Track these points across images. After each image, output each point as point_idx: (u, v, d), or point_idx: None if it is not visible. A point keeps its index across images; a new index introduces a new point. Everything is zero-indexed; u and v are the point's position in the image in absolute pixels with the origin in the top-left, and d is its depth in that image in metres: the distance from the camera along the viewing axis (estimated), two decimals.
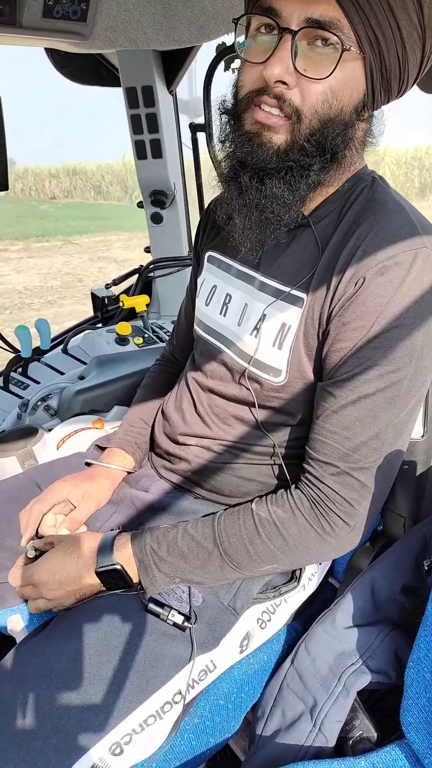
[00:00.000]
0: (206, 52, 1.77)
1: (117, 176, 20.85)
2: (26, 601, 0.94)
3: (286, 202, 0.79)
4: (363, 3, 0.69)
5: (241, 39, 0.85)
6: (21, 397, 1.58)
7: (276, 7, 0.72)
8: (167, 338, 1.82)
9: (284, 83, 0.73)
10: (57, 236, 13.44)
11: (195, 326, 1.05)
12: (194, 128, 1.76)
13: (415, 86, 0.99)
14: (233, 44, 1.64)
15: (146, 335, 1.77)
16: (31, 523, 0.95)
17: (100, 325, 1.97)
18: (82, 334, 1.84)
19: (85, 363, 1.75)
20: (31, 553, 0.90)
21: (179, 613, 0.80)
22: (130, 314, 1.93)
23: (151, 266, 1.96)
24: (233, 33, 1.40)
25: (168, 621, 0.79)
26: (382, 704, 0.88)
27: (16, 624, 1.01)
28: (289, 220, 0.81)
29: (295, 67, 0.72)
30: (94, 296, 1.99)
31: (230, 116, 0.82)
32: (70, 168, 21.69)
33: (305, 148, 0.76)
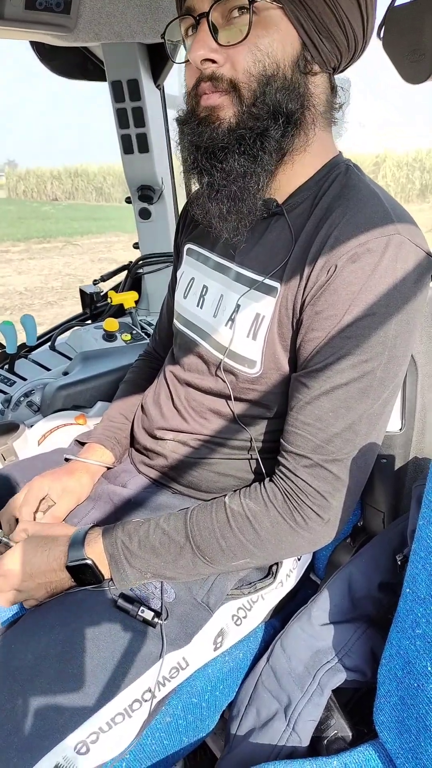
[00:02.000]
0: None
1: (118, 178, 20.87)
2: None
3: (251, 173, 0.78)
4: None
5: (172, 39, 0.87)
6: (6, 394, 1.57)
7: (190, 5, 0.76)
8: (152, 334, 1.81)
9: (213, 62, 0.74)
10: (58, 237, 13.47)
11: (174, 320, 1.03)
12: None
13: (417, 87, 0.98)
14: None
15: (134, 332, 1.75)
16: (5, 518, 0.94)
17: (89, 321, 1.95)
18: (70, 331, 1.83)
19: (72, 359, 1.73)
20: (5, 544, 0.88)
21: (149, 608, 0.78)
22: (119, 311, 1.91)
23: (140, 262, 1.95)
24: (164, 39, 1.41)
25: (138, 617, 0.77)
26: (362, 705, 0.86)
27: None
28: (258, 192, 0.79)
29: (219, 44, 0.73)
30: (82, 293, 1.97)
31: (183, 123, 0.81)
32: (71, 170, 21.73)
33: (252, 113, 0.75)
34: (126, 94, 1.62)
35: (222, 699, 0.87)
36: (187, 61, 0.80)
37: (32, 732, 0.67)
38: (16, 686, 0.70)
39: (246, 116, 0.75)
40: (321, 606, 0.85)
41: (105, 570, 0.81)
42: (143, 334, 1.75)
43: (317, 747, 0.78)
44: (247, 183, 0.78)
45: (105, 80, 1.66)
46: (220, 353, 0.89)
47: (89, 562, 0.80)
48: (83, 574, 0.81)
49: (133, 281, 1.99)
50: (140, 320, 1.84)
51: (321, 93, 0.80)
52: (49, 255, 11.71)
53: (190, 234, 1.04)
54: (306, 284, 0.77)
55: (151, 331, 1.82)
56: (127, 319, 1.82)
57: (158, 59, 1.60)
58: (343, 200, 0.78)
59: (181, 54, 0.87)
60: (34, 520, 0.95)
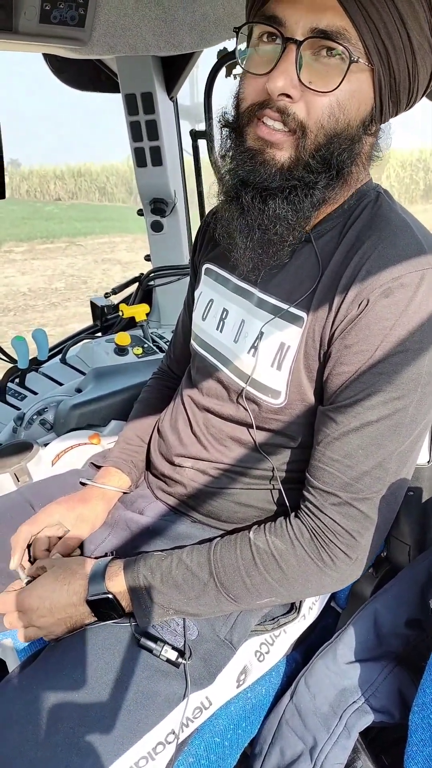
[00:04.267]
0: (208, 57, 1.74)
1: (122, 178, 20.87)
2: None
3: (289, 223, 0.76)
4: (372, 12, 0.66)
5: (242, 47, 0.82)
6: (18, 408, 1.55)
7: (280, 16, 0.68)
8: (167, 348, 1.79)
9: (288, 96, 0.69)
10: (62, 238, 13.46)
11: (192, 341, 1.02)
12: (195, 135, 1.72)
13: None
14: (234, 50, 1.61)
15: (146, 345, 1.73)
16: (19, 544, 0.92)
17: (99, 334, 1.94)
18: (80, 344, 1.81)
19: (83, 373, 1.72)
20: (24, 579, 0.87)
21: (173, 648, 0.76)
22: (130, 323, 1.90)
23: (151, 275, 1.93)
24: (235, 39, 1.36)
25: (161, 657, 0.75)
26: (384, 737, 0.84)
27: (7, 649, 0.99)
28: (292, 241, 0.78)
29: (300, 80, 0.69)
30: (93, 305, 1.96)
31: (231, 130, 0.79)
32: (75, 169, 21.73)
33: (310, 165, 0.73)
34: (140, 107, 1.60)
35: (244, 737, 0.85)
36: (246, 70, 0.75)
37: None
38: (40, 732, 0.68)
39: (302, 165, 0.72)
40: (346, 643, 0.83)
41: (126, 604, 0.79)
42: (155, 348, 1.74)
43: None
44: (283, 231, 0.76)
45: (118, 92, 1.65)
46: (241, 381, 0.87)
47: (110, 596, 0.78)
48: (104, 608, 0.79)
49: (144, 293, 1.97)
50: (151, 333, 1.82)
51: (369, 145, 0.78)
52: (52, 255, 11.70)
53: (209, 254, 1.02)
54: (335, 316, 0.75)
55: (162, 344, 1.80)
56: (138, 332, 1.81)
57: (172, 71, 1.58)
58: (375, 231, 0.76)
59: (248, 57, 0.77)
60: (40, 543, 0.94)
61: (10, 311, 7.81)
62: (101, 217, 16.25)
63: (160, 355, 1.72)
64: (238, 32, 0.78)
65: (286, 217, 0.75)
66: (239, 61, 0.80)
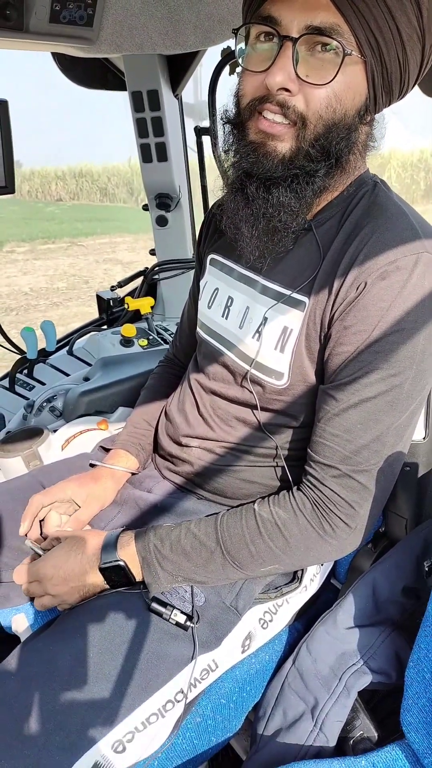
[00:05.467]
0: (211, 55, 1.78)
1: (123, 178, 20.89)
2: (32, 599, 0.95)
3: (293, 210, 0.80)
4: (362, 8, 0.70)
5: (241, 46, 0.85)
6: (26, 398, 1.59)
7: (275, 16, 0.73)
8: (172, 340, 1.83)
9: (287, 90, 0.73)
10: (63, 238, 13.48)
11: (197, 328, 1.06)
12: (199, 132, 1.77)
13: (417, 89, 1.00)
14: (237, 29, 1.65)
15: (151, 337, 1.77)
16: (30, 511, 0.96)
17: (105, 327, 1.98)
18: (87, 336, 1.85)
19: (89, 364, 1.76)
20: (39, 552, 0.91)
21: (182, 612, 0.80)
22: (135, 316, 1.94)
23: (156, 268, 1.97)
24: (232, 32, 1.40)
25: (171, 620, 0.80)
26: (383, 704, 0.88)
27: (21, 623, 1.03)
28: (296, 228, 0.82)
29: (297, 74, 0.73)
30: (99, 298, 2.00)
31: (233, 126, 0.83)
32: (76, 170, 21.75)
33: (310, 154, 0.77)
34: (146, 104, 1.64)
35: (248, 700, 0.89)
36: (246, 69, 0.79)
37: (73, 730, 0.69)
38: (57, 686, 0.72)
39: (302, 154, 0.76)
40: (346, 610, 0.87)
41: (137, 572, 0.83)
42: (159, 340, 1.78)
43: (343, 747, 0.81)
44: (287, 218, 0.80)
45: (124, 89, 1.69)
46: (246, 364, 0.91)
47: (122, 563, 0.82)
48: (116, 575, 0.83)
49: (149, 287, 2.01)
50: (156, 325, 1.86)
51: (365, 134, 0.82)
52: (54, 255, 11.74)
53: (213, 244, 1.06)
54: (335, 299, 0.80)
55: (166, 336, 1.84)
56: (143, 324, 1.85)
57: (177, 69, 1.63)
58: (372, 218, 0.80)
59: (246, 56, 0.80)
60: (51, 519, 0.98)
61: (12, 311, 7.84)
62: (102, 217, 16.28)
63: (165, 347, 1.76)
64: (236, 33, 0.82)
65: (290, 205, 0.79)
66: (238, 60, 0.84)
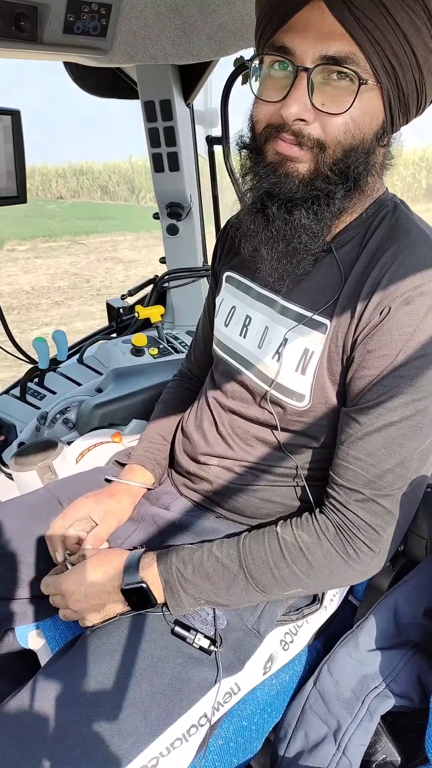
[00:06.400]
0: (221, 64, 1.77)
1: (124, 176, 20.86)
2: (51, 615, 0.96)
3: (313, 232, 0.79)
4: (378, 35, 0.69)
5: (255, 65, 0.84)
6: (37, 408, 1.59)
7: (289, 46, 0.72)
8: (182, 348, 1.83)
9: (303, 120, 0.73)
10: (64, 236, 13.46)
11: (214, 346, 1.05)
12: (211, 141, 1.77)
13: None
14: (251, 59, 1.65)
15: (161, 346, 1.77)
16: (57, 539, 0.96)
17: (114, 335, 1.98)
18: (97, 344, 1.85)
19: (100, 373, 1.76)
20: (67, 564, 0.91)
21: (205, 636, 0.80)
22: (144, 324, 1.94)
23: (166, 277, 1.97)
24: (251, 48, 1.40)
25: (194, 645, 0.80)
26: (405, 727, 0.88)
27: (37, 640, 1.03)
28: (316, 250, 0.82)
29: (313, 104, 0.72)
30: (109, 306, 2.00)
31: (250, 151, 0.82)
32: (77, 168, 21.72)
33: (329, 177, 0.76)
34: (158, 114, 1.64)
35: (269, 721, 0.89)
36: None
37: (100, 758, 0.70)
38: (83, 712, 0.72)
39: (321, 177, 0.76)
40: (367, 631, 0.87)
41: (159, 594, 0.83)
42: (170, 348, 1.77)
43: None
44: (307, 240, 0.80)
45: (136, 98, 1.68)
46: (265, 384, 0.91)
47: (144, 585, 0.82)
48: (137, 597, 0.83)
49: (159, 295, 2.01)
50: (166, 334, 1.86)
51: (382, 155, 0.82)
52: (55, 254, 11.72)
53: (229, 262, 1.05)
54: (358, 323, 0.79)
55: (177, 345, 1.84)
56: (153, 333, 1.84)
57: (189, 79, 1.62)
58: (394, 240, 0.80)
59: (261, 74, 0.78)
60: (71, 535, 0.98)
61: (14, 309, 7.82)
62: (103, 215, 16.26)
63: (176, 356, 1.76)
64: (251, 64, 0.80)
65: (310, 227, 0.79)
66: (251, 84, 0.83)
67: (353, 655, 0.86)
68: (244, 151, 0.82)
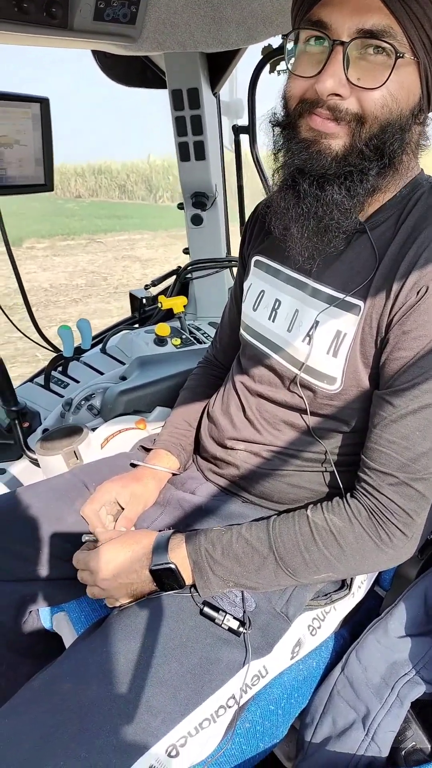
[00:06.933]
0: (247, 53, 1.77)
1: (142, 175, 20.94)
2: (76, 597, 0.95)
3: (345, 208, 0.79)
4: (415, 8, 0.69)
5: (289, 46, 0.83)
6: (61, 396, 1.60)
7: (326, 20, 0.71)
8: (204, 339, 1.82)
9: (338, 95, 0.72)
10: (82, 234, 13.55)
11: (241, 331, 1.05)
12: (237, 130, 1.76)
13: None
14: (279, 47, 1.65)
15: (184, 336, 1.77)
16: (92, 520, 0.96)
17: (137, 325, 1.98)
18: (120, 334, 1.86)
19: (122, 363, 1.76)
20: (94, 542, 0.91)
21: (234, 618, 0.80)
22: (167, 315, 1.94)
23: (189, 267, 1.97)
24: (280, 36, 1.39)
25: (223, 626, 0.79)
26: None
27: (62, 623, 1.03)
28: (347, 227, 0.81)
29: (348, 78, 0.71)
30: (132, 297, 2.00)
31: (283, 128, 0.81)
32: (95, 167, 21.85)
33: (363, 152, 0.75)
34: (185, 102, 1.64)
35: (296, 706, 0.88)
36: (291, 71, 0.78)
37: (129, 734, 0.69)
38: (112, 689, 0.72)
39: (356, 153, 0.75)
40: (397, 618, 0.86)
41: (187, 576, 0.83)
42: (192, 339, 1.77)
43: (395, 757, 0.80)
44: (339, 217, 0.79)
45: (163, 88, 1.69)
46: (295, 368, 0.90)
47: (173, 566, 0.82)
48: (166, 578, 0.83)
49: (181, 286, 2.01)
50: (188, 324, 1.86)
51: (417, 133, 0.81)
52: (73, 252, 11.80)
53: (258, 246, 1.05)
54: (393, 303, 0.78)
55: (199, 335, 1.84)
56: (175, 323, 1.84)
57: (217, 67, 1.62)
58: (431, 220, 0.79)
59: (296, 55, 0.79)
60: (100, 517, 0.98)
61: (32, 306, 7.87)
62: (121, 214, 16.33)
63: (198, 346, 1.75)
64: (286, 38, 0.80)
65: (342, 203, 0.78)
66: (287, 61, 0.82)
67: (382, 642, 0.85)
68: (277, 128, 0.81)
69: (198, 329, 1.86)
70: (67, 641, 1.02)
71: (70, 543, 0.98)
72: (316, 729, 0.85)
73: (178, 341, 1.74)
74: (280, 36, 0.81)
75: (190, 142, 1.71)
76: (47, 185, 1.50)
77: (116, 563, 0.83)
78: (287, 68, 0.79)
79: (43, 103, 1.40)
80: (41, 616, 1.07)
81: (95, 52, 1.61)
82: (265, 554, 0.81)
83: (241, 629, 0.79)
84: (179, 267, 2.01)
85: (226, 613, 0.80)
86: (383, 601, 1.02)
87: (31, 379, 1.71)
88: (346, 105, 0.73)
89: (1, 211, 1.53)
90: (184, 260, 2.10)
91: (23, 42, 1.32)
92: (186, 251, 2.03)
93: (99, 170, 21.65)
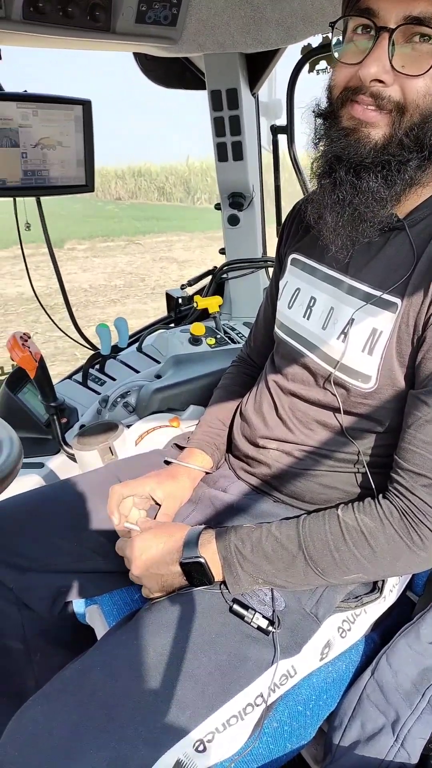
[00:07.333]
0: (286, 54, 1.76)
1: (180, 178, 21.08)
2: (109, 591, 0.97)
3: (381, 197, 0.78)
4: None
5: (338, 38, 0.84)
6: (98, 393, 1.63)
7: (374, 8, 0.72)
8: (238, 339, 1.83)
9: (381, 82, 0.72)
10: (121, 236, 13.73)
11: (276, 329, 1.04)
12: (275, 130, 1.76)
13: None
14: (319, 46, 1.64)
15: (218, 336, 1.78)
16: (114, 503, 0.97)
17: (172, 325, 2.00)
18: (156, 333, 1.88)
19: (158, 362, 1.78)
20: (135, 528, 0.93)
21: (263, 616, 0.80)
22: (203, 314, 1.95)
23: (225, 268, 1.98)
24: (320, 34, 1.39)
25: (252, 624, 0.79)
26: None
27: (95, 615, 1.05)
28: (382, 218, 0.80)
29: (392, 66, 0.72)
30: (168, 296, 2.02)
31: (324, 118, 0.82)
32: (135, 169, 22.11)
33: (403, 143, 0.75)
34: (224, 103, 1.65)
35: (324, 708, 0.88)
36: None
37: (158, 726, 0.70)
38: (142, 681, 0.73)
39: (395, 143, 0.75)
40: (429, 623, 0.84)
41: (216, 572, 0.83)
42: (227, 339, 1.78)
43: (425, 765, 0.78)
44: (375, 207, 0.78)
45: (202, 89, 1.70)
46: (329, 366, 0.89)
47: (203, 561, 0.82)
48: (196, 572, 0.83)
49: (217, 286, 2.02)
50: (223, 324, 1.87)
51: None
52: (112, 253, 11.97)
53: (295, 244, 1.05)
54: (431, 302, 0.77)
55: (233, 335, 1.84)
56: (210, 323, 1.85)
57: (256, 68, 1.62)
58: None
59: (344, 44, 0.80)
60: (132, 513, 0.99)
61: (72, 306, 8.02)
62: (159, 216, 16.47)
63: (232, 346, 1.76)
64: (333, 26, 0.81)
65: (378, 192, 0.77)
66: (333, 53, 0.83)
67: (414, 647, 0.83)
68: (319, 119, 0.81)
69: (232, 329, 1.86)
70: (99, 633, 1.04)
71: (104, 537, 1.00)
72: (345, 732, 0.84)
73: (212, 341, 1.75)
74: (329, 25, 0.81)
75: (228, 143, 1.71)
76: (88, 186, 1.54)
77: (149, 554, 0.85)
78: (334, 57, 0.79)
79: (86, 105, 1.43)
80: (75, 607, 1.09)
81: (136, 54, 1.63)
82: (294, 553, 0.81)
83: (270, 628, 0.79)
84: (215, 267, 2.02)
85: (255, 611, 0.80)
86: (415, 606, 1.00)
87: (69, 376, 1.75)
88: (388, 92, 0.73)
89: (44, 213, 1.57)
90: (219, 261, 2.11)
91: (68, 45, 1.36)
92: (222, 251, 2.04)
93: (138, 172, 21.89)
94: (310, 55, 1.55)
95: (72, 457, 1.33)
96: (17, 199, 1.50)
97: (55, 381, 1.52)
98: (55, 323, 1.76)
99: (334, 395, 0.89)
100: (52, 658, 1.05)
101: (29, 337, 1.40)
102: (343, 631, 0.89)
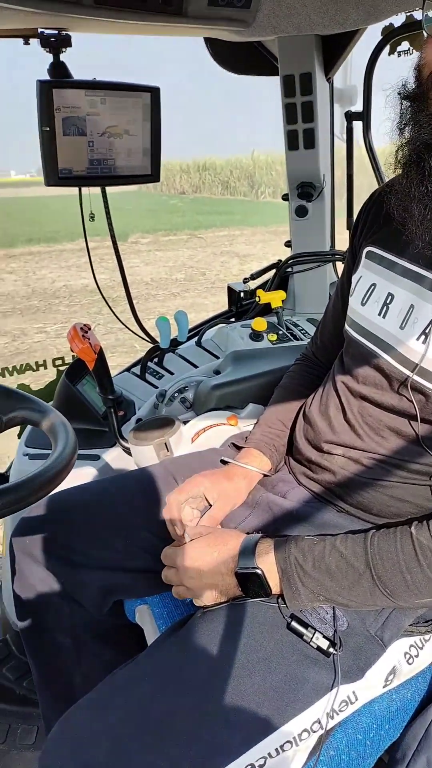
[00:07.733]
0: (364, 36, 1.67)
1: (245, 171, 21.03)
2: (159, 592, 0.94)
3: None
4: None
5: (430, 13, 0.77)
6: (155, 387, 1.61)
7: None
8: (302, 336, 1.76)
9: None
10: (184, 230, 13.85)
11: (346, 326, 0.98)
12: (350, 117, 1.68)
13: None
14: (402, 25, 1.54)
15: (280, 332, 1.72)
16: (174, 515, 0.94)
17: (233, 319, 1.96)
18: (216, 328, 1.84)
19: (217, 357, 1.74)
20: (188, 539, 0.89)
21: (324, 636, 0.74)
22: (264, 309, 1.89)
23: (290, 261, 1.91)
24: (404, 12, 1.30)
25: (312, 644, 0.74)
26: None
27: (145, 615, 1.02)
28: None
29: None
30: (230, 290, 1.98)
31: (412, 101, 0.76)
32: (200, 163, 22.23)
33: None
34: (297, 89, 1.58)
35: (386, 739, 0.81)
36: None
37: (206, 748, 0.66)
38: (192, 699, 0.69)
39: None
40: None
41: (274, 584, 0.78)
42: (289, 335, 1.71)
43: None
44: None
45: (274, 74, 1.64)
46: (407, 369, 0.82)
47: (259, 572, 0.77)
48: (252, 583, 0.78)
49: (281, 280, 1.96)
50: (285, 320, 1.80)
51: None
52: (174, 247, 12.09)
53: (372, 236, 0.98)
54: None
55: (296, 331, 1.78)
56: (273, 318, 1.80)
57: (332, 51, 1.55)
58: None
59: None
60: (185, 512, 0.95)
61: (133, 299, 8.16)
62: (222, 210, 16.49)
63: (295, 343, 1.70)
64: (424, 5, 0.74)
65: None
66: (425, 28, 0.76)
67: None
68: (405, 101, 0.75)
69: (296, 325, 1.80)
70: (149, 635, 1.01)
71: (157, 537, 0.97)
72: (408, 766, 0.77)
73: (274, 337, 1.69)
74: (404, 13, 0.76)
75: (300, 130, 1.65)
76: (153, 176, 1.51)
77: (202, 563, 0.81)
78: (425, 31, 0.72)
79: (154, 92, 1.41)
80: (125, 607, 1.07)
81: (207, 40, 1.59)
82: (361, 571, 0.75)
83: (330, 650, 0.73)
84: (279, 261, 1.95)
85: (315, 630, 0.74)
86: None
87: (128, 369, 1.74)
88: None
89: (109, 207, 1.56)
90: (281, 255, 2.05)
91: (140, 31, 1.33)
92: (288, 244, 1.97)
93: (203, 166, 21.98)
94: (391, 36, 1.46)
95: (128, 451, 1.31)
96: (83, 190, 1.49)
97: (113, 373, 1.50)
98: (116, 315, 1.75)
99: (411, 401, 0.82)
100: (100, 655, 1.04)
101: (90, 329, 1.38)
102: (411, 656, 0.82)
